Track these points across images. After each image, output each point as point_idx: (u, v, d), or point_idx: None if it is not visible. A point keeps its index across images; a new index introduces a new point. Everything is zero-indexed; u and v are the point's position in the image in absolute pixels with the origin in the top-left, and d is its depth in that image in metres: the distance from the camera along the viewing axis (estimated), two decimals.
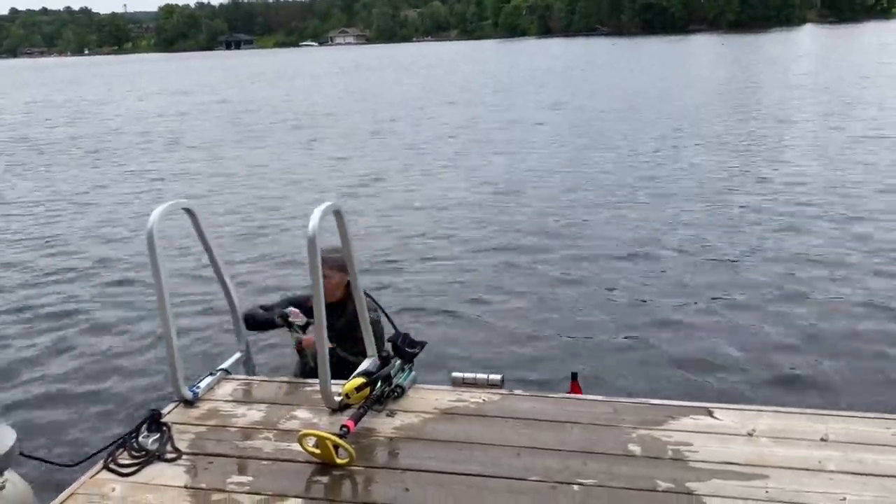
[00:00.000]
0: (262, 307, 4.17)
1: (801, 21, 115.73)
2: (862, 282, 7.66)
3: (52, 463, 3.37)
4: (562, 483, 2.61)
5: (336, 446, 2.73)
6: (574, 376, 3.90)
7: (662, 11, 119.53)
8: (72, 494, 2.71)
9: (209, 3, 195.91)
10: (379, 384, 3.16)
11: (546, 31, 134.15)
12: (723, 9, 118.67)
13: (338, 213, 3.18)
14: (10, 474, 2.79)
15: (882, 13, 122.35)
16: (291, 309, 3.98)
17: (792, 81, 29.51)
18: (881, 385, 5.56)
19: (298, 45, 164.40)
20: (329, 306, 3.88)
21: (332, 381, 3.16)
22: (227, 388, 3.48)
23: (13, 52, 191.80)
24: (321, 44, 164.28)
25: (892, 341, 6.27)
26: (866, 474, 2.58)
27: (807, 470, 2.62)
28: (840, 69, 33.77)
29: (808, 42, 64.27)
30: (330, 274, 3.90)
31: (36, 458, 3.25)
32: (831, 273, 7.98)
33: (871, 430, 2.85)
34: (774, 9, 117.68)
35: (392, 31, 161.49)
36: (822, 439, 2.80)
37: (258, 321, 4.07)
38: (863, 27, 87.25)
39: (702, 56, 52.87)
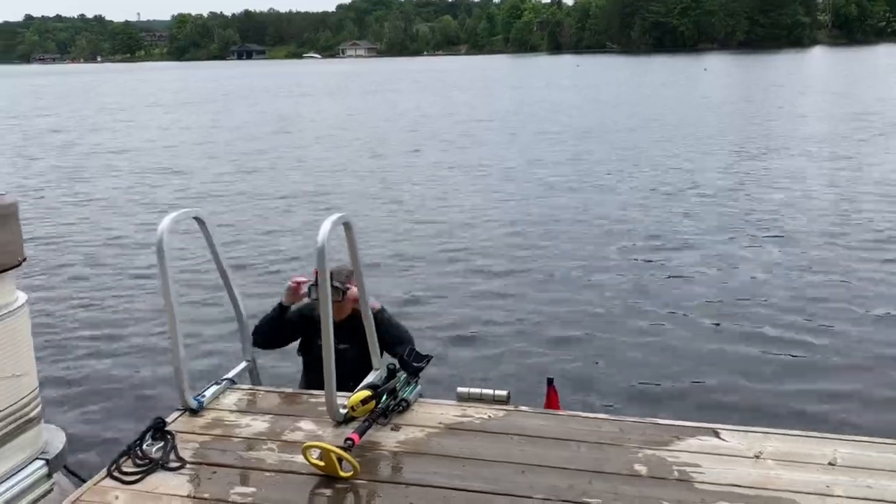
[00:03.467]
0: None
1: (812, 42, 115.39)
2: (875, 309, 7.62)
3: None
4: (567, 501, 2.59)
5: (340, 459, 2.72)
6: (550, 381, 3.86)
7: (672, 30, 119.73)
8: (75, 501, 2.69)
9: (222, 12, 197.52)
10: (384, 398, 3.15)
11: (556, 48, 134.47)
12: (733, 28, 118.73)
13: (347, 225, 3.19)
14: (58, 476, 2.74)
15: (893, 35, 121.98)
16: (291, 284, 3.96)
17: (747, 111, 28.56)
18: (890, 410, 5.52)
19: (301, 57, 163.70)
20: (344, 320, 3.86)
21: (337, 394, 3.15)
22: (231, 398, 3.47)
23: (26, 59, 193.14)
24: (326, 56, 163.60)
25: None
26: (874, 500, 2.55)
27: (814, 494, 2.59)
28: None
29: (800, 67, 62.66)
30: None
31: (77, 476, 3.13)
32: (842, 299, 7.95)
33: (880, 455, 2.82)
34: (785, 29, 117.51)
35: (403, 45, 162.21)
36: (829, 463, 2.77)
37: (265, 326, 4.00)
38: (875, 51, 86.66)
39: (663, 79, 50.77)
